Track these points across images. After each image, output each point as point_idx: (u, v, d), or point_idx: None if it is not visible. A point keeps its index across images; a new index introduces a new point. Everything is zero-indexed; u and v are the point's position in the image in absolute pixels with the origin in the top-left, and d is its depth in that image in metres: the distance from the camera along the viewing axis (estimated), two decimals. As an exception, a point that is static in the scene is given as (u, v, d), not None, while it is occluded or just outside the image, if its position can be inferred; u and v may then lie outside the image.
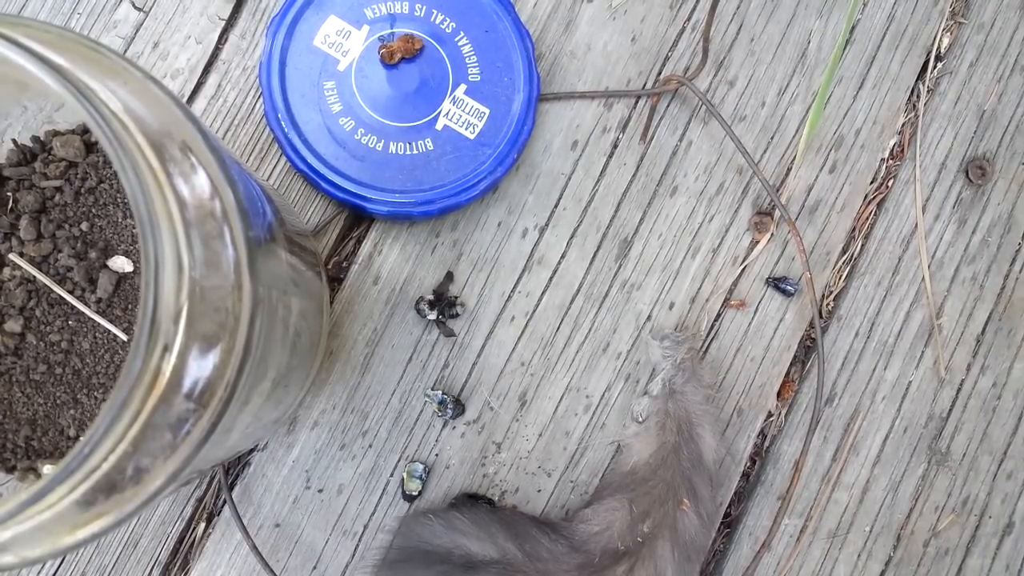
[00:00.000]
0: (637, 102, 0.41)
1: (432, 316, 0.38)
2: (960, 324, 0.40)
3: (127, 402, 0.19)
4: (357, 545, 0.38)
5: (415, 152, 0.37)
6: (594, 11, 0.41)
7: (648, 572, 0.34)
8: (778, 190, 0.40)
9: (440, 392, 0.38)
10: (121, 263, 0.30)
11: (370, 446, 0.38)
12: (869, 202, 0.41)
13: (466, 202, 0.38)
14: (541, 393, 0.39)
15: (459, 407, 0.38)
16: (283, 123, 0.37)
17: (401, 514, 0.38)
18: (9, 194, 0.30)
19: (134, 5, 0.40)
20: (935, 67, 0.42)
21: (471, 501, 0.38)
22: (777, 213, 0.40)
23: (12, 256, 0.30)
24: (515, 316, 0.39)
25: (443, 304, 0.38)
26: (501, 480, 0.39)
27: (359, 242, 0.40)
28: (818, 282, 0.40)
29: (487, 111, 0.38)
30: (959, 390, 0.40)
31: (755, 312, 0.40)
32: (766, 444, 0.40)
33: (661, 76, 0.41)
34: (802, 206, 0.41)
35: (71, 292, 0.30)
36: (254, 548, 0.36)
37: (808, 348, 0.40)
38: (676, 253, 0.40)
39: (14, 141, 0.30)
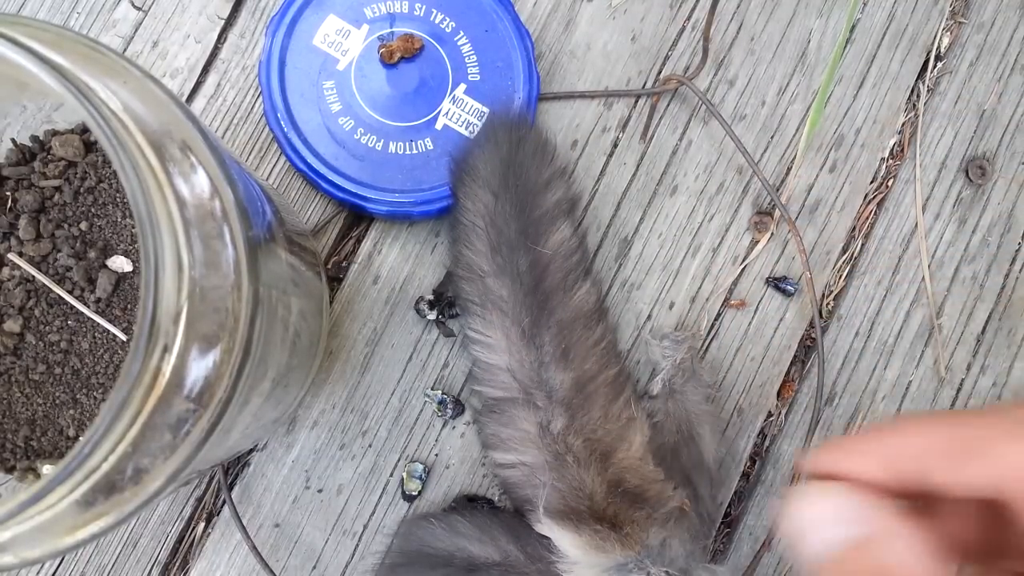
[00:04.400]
0: (637, 101, 0.41)
1: (432, 316, 0.38)
2: (960, 324, 0.40)
3: (127, 402, 0.19)
4: (357, 545, 0.38)
5: (415, 152, 0.37)
6: (594, 10, 0.41)
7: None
8: (778, 190, 0.40)
9: (440, 392, 0.38)
10: (120, 263, 0.30)
11: (370, 446, 0.38)
12: (869, 202, 0.41)
13: (466, 202, 0.38)
14: (541, 393, 0.39)
15: (459, 407, 0.38)
16: (282, 123, 0.37)
17: (401, 514, 0.38)
18: (8, 194, 0.30)
19: (133, 4, 0.40)
20: (935, 67, 0.42)
21: (471, 504, 0.38)
22: (777, 213, 0.40)
23: (11, 256, 0.30)
24: (515, 316, 0.39)
25: (443, 304, 0.38)
26: (501, 480, 0.38)
27: (359, 242, 0.40)
28: (818, 282, 0.40)
29: (487, 111, 0.37)
30: (959, 390, 0.40)
31: (755, 312, 0.40)
32: (766, 444, 0.40)
33: (661, 76, 0.41)
34: (802, 206, 0.41)
35: (70, 292, 0.30)
36: (253, 548, 0.36)
37: (808, 348, 0.40)
38: (676, 253, 0.40)
39: (13, 140, 0.30)
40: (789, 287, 0.40)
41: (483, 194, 0.35)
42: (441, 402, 0.38)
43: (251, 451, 0.38)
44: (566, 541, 0.32)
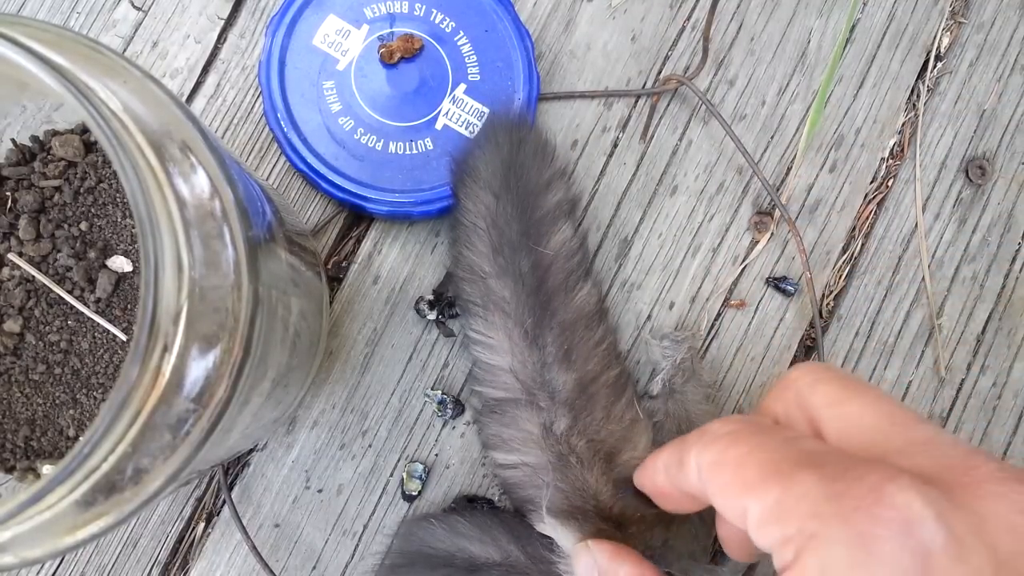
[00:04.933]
0: (637, 101, 0.41)
1: (432, 316, 0.38)
2: (960, 324, 0.40)
3: (126, 402, 0.19)
4: (357, 545, 0.38)
5: (415, 152, 0.37)
6: (594, 10, 0.41)
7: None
8: (778, 190, 0.40)
9: (440, 392, 0.38)
10: (120, 263, 0.30)
11: (370, 446, 0.38)
12: (869, 202, 0.41)
13: (466, 202, 0.37)
14: (541, 393, 0.39)
15: (459, 407, 0.38)
16: (282, 123, 0.37)
17: (401, 514, 0.38)
18: (8, 194, 0.30)
19: (133, 4, 0.40)
20: (935, 66, 0.42)
21: (471, 504, 0.38)
22: (777, 213, 0.40)
23: (11, 256, 0.30)
24: (515, 316, 0.39)
25: (443, 304, 0.38)
26: (501, 480, 0.38)
27: (359, 242, 0.40)
28: (818, 282, 0.40)
29: (487, 111, 0.37)
30: (959, 390, 0.40)
31: (755, 312, 0.40)
32: (766, 444, 0.40)
33: (661, 75, 0.41)
34: (802, 206, 0.41)
35: (70, 292, 0.30)
36: (253, 548, 0.36)
37: (808, 348, 0.40)
38: (676, 253, 0.40)
39: (13, 141, 0.30)
40: (789, 287, 0.40)
41: (484, 195, 0.35)
42: (441, 402, 0.38)
43: (251, 451, 0.38)
44: (570, 541, 0.32)
